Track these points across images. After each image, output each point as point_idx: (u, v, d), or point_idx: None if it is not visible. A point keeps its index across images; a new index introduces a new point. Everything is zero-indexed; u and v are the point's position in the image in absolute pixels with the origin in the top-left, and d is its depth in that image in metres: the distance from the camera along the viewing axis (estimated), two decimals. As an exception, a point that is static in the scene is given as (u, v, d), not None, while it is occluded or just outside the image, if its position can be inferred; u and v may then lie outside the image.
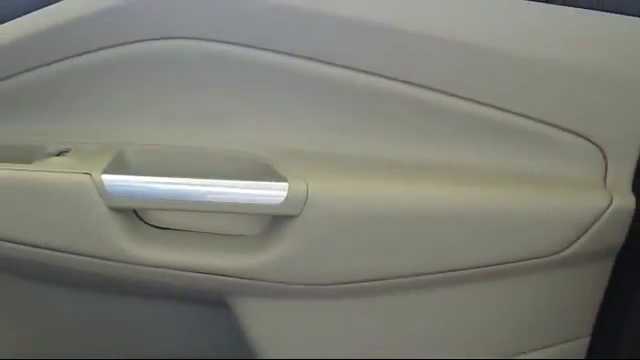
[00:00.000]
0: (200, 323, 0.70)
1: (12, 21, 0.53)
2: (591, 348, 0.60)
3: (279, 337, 0.59)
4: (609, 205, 0.53)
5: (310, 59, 0.52)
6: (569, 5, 0.50)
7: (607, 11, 0.49)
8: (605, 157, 0.55)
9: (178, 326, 0.71)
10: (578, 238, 0.53)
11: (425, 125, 0.54)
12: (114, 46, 0.53)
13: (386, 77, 0.52)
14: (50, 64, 0.55)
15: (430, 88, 0.52)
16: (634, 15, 0.50)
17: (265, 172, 0.55)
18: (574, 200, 0.53)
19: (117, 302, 0.68)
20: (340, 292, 0.56)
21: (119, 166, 0.55)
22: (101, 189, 0.52)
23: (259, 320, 0.59)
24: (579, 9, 0.50)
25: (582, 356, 0.60)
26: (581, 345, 0.59)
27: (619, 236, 0.55)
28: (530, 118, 0.53)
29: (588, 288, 0.57)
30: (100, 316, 0.70)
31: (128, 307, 0.69)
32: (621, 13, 0.50)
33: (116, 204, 0.53)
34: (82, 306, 0.70)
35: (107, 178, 0.52)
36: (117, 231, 0.54)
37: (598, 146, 0.54)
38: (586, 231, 0.53)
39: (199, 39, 0.52)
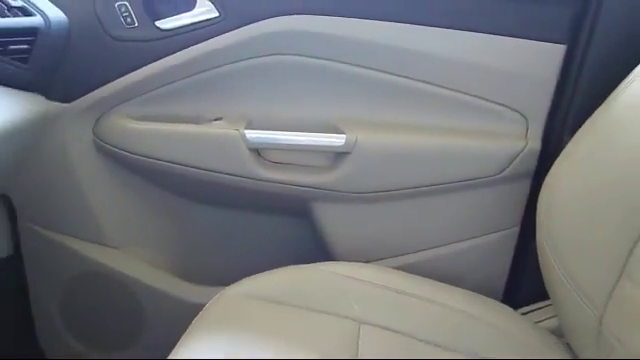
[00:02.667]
0: (288, 232, 1.13)
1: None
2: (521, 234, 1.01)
3: (340, 226, 1.03)
4: (525, 147, 0.95)
5: (363, 67, 0.95)
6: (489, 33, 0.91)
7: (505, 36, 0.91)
8: (526, 119, 0.96)
9: (271, 235, 1.14)
10: (508, 166, 0.95)
11: (418, 103, 0.96)
12: (258, 57, 0.96)
13: (398, 75, 0.95)
14: (219, 67, 0.98)
15: (421, 81, 0.95)
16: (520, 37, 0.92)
17: (335, 129, 0.98)
18: (506, 143, 0.95)
19: (240, 216, 1.11)
20: (377, 198, 0.99)
21: (251, 126, 0.99)
22: (243, 138, 0.96)
23: (328, 216, 1.02)
24: (493, 35, 0.91)
25: (514, 240, 1.01)
26: (514, 232, 1.01)
27: (532, 166, 0.96)
28: (483, 98, 0.95)
29: (517, 195, 0.99)
30: (227, 229, 1.14)
31: (246, 220, 1.12)
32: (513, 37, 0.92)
33: (251, 146, 0.97)
34: (214, 220, 1.13)
35: (247, 132, 0.96)
36: (250, 161, 0.98)
37: (520, 113, 0.95)
38: (512, 162, 0.95)
39: (307, 56, 0.95)
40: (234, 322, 0.78)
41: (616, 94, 0.78)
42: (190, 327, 0.79)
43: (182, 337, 0.76)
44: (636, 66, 0.75)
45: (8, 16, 0.87)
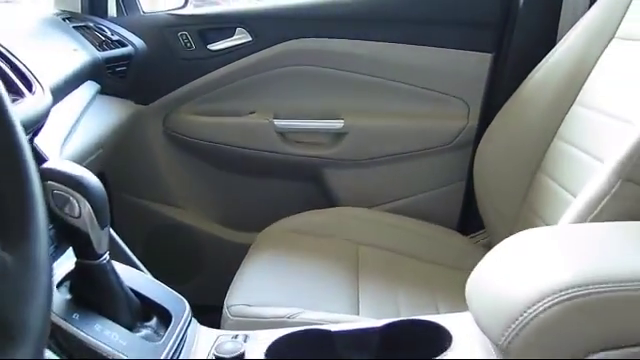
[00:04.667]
0: (303, 192, 1.54)
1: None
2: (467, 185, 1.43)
3: (341, 184, 1.45)
4: (466, 124, 1.37)
5: (354, 72, 1.37)
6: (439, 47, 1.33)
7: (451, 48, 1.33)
8: (467, 105, 1.38)
9: (292, 194, 1.54)
10: (455, 138, 1.38)
11: (391, 95, 1.38)
12: (280, 67, 1.37)
13: (377, 77, 1.37)
14: (252, 75, 1.39)
15: (392, 80, 1.37)
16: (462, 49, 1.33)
17: (336, 116, 1.40)
18: (454, 122, 1.37)
19: (269, 182, 1.52)
20: (367, 163, 1.41)
21: (277, 116, 1.40)
22: (272, 125, 1.38)
23: (333, 178, 1.44)
24: (442, 48, 1.33)
25: (463, 189, 1.44)
26: (462, 184, 1.43)
27: (472, 137, 1.38)
28: (436, 91, 1.37)
29: (462, 158, 1.41)
30: (260, 191, 1.54)
31: (274, 184, 1.53)
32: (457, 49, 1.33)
33: (277, 130, 1.39)
34: (250, 185, 1.54)
35: (275, 121, 1.38)
36: (277, 141, 1.40)
37: (464, 100, 1.38)
38: (458, 135, 1.37)
39: (315, 66, 1.37)
40: (277, 248, 1.19)
41: (523, 85, 1.21)
42: (248, 254, 1.19)
43: (243, 261, 1.16)
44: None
45: (112, 48, 1.27)
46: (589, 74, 1.11)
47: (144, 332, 0.68)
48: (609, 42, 1.10)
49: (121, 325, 0.66)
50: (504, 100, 1.26)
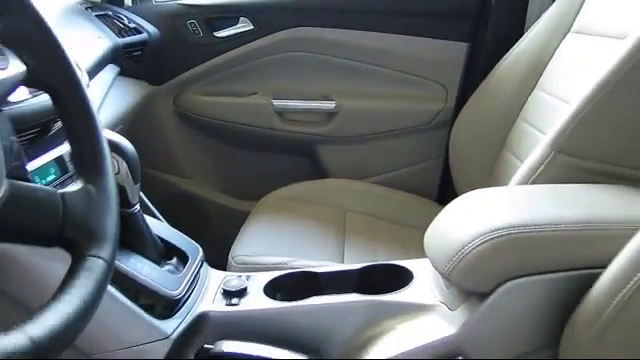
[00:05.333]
0: (298, 165, 1.71)
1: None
2: (444, 161, 1.60)
3: (332, 158, 1.62)
4: (445, 106, 1.54)
5: (345, 59, 1.54)
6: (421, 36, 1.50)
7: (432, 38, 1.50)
8: (446, 89, 1.55)
9: (288, 167, 1.71)
10: (434, 118, 1.55)
11: (378, 79, 1.54)
12: (279, 53, 1.54)
13: (365, 63, 1.53)
14: (254, 60, 1.56)
15: (379, 66, 1.53)
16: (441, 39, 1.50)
17: (328, 98, 1.56)
18: (433, 104, 1.54)
19: (268, 156, 1.70)
20: (355, 140, 1.58)
21: (276, 97, 1.57)
22: (271, 105, 1.55)
23: (325, 153, 1.61)
24: (423, 37, 1.50)
25: (441, 164, 1.61)
26: (440, 160, 1.60)
27: (449, 117, 1.55)
28: (418, 76, 1.54)
29: (441, 136, 1.57)
30: (260, 164, 1.72)
31: (272, 158, 1.70)
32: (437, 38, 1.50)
33: (276, 110, 1.56)
34: (251, 159, 1.71)
35: (274, 101, 1.55)
36: (276, 120, 1.56)
37: (442, 85, 1.54)
38: (437, 115, 1.54)
39: (310, 53, 1.53)
40: (274, 214, 1.36)
41: (493, 71, 1.38)
42: (248, 218, 1.36)
43: (244, 224, 1.33)
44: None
45: (129, 35, 1.43)
46: (548, 62, 1.27)
47: (167, 268, 0.86)
48: (565, 35, 1.26)
49: (150, 261, 0.83)
50: (478, 84, 1.42)
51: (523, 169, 0.94)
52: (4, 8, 0.49)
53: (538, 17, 1.35)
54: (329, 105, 1.56)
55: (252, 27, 1.53)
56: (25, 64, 0.51)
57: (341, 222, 1.33)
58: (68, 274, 0.47)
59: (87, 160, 0.53)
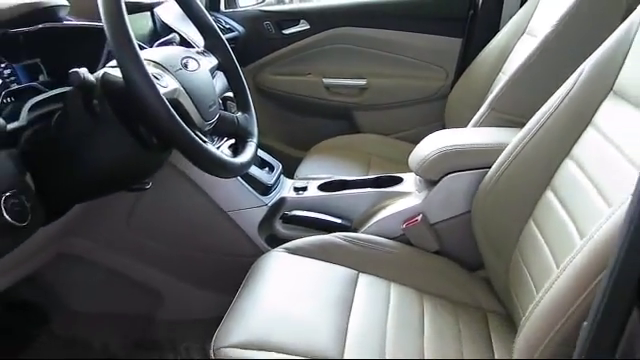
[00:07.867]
0: (339, 125, 2.36)
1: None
2: (442, 127, 2.22)
3: (367, 121, 2.27)
4: (444, 84, 2.16)
5: (372, 49, 2.19)
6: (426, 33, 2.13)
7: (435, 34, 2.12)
8: (446, 71, 2.17)
9: (330, 128, 2.37)
10: (436, 93, 2.17)
11: (396, 64, 2.18)
12: (327, 45, 2.20)
13: (387, 52, 2.17)
14: (310, 50, 2.23)
15: (395, 54, 2.17)
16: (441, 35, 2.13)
17: (361, 77, 2.21)
18: (435, 83, 2.16)
19: (317, 120, 2.37)
20: (379, 107, 2.22)
21: (325, 76, 2.23)
22: (322, 82, 2.22)
23: (359, 116, 2.26)
24: (428, 34, 2.13)
25: (440, 129, 2.23)
26: (439, 124, 2.23)
27: (447, 92, 2.15)
28: (425, 61, 2.17)
29: (440, 107, 2.20)
30: (312, 126, 2.39)
31: (320, 122, 2.37)
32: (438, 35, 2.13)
33: (326, 85, 2.23)
34: (308, 121, 2.38)
35: (324, 79, 2.22)
36: (325, 93, 2.23)
37: (443, 68, 2.16)
38: (438, 91, 2.16)
39: (350, 45, 2.19)
40: (323, 154, 2.02)
41: (477, 58, 1.99)
42: (305, 156, 2.03)
43: (303, 159, 2.00)
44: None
45: (226, 33, 2.10)
46: (509, 55, 1.88)
47: (265, 170, 1.56)
48: (521, 35, 1.86)
49: (256, 167, 1.52)
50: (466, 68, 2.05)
51: (473, 120, 1.58)
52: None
53: (509, 20, 1.95)
54: (362, 82, 2.21)
55: (308, 27, 2.20)
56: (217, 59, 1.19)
57: (367, 161, 1.98)
58: (240, 148, 1.15)
59: (242, 102, 1.21)
